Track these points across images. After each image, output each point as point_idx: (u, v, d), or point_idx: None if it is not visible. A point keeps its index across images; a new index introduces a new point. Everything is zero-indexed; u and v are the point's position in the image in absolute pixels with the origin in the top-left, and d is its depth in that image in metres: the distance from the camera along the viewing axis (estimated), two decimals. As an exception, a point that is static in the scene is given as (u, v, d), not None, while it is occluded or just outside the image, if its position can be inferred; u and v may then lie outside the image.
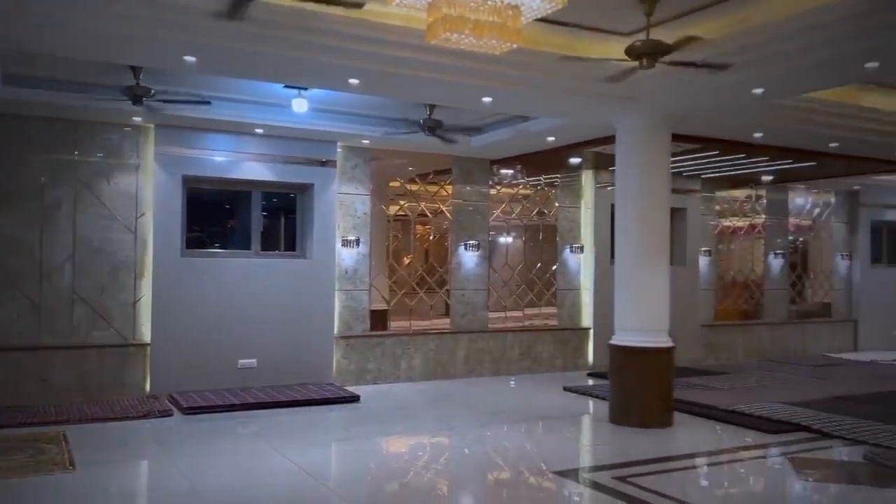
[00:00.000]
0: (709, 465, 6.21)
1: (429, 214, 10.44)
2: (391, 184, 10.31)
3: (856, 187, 13.76)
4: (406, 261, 10.24)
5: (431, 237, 10.41)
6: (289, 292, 9.06)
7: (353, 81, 6.24)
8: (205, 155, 8.71)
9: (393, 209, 10.34)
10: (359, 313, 9.61)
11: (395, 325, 10.01)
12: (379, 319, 9.88)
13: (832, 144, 9.03)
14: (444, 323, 10.31)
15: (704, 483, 5.79)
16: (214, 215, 9.65)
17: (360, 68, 5.87)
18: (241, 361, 8.77)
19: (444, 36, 4.17)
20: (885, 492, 5.50)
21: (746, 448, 6.64)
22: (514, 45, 4.36)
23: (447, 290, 10.34)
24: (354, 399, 8.40)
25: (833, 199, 14.16)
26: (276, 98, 7.76)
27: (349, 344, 9.49)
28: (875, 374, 10.92)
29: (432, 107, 8.01)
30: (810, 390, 9.23)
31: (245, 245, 9.20)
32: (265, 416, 7.60)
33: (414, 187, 10.27)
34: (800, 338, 13.49)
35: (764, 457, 6.41)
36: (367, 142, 9.25)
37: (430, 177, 10.39)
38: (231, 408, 7.77)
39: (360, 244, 9.61)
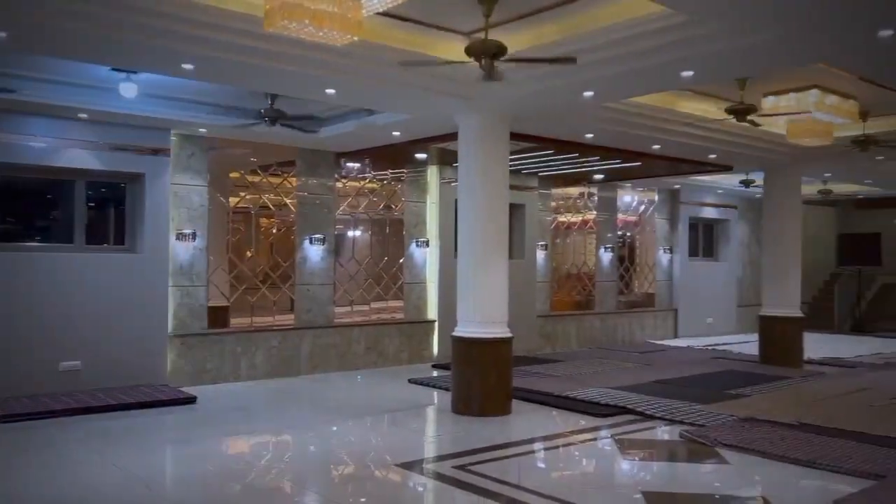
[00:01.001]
0: (544, 449, 6.50)
1: (272, 207, 10.16)
2: (231, 175, 9.92)
3: (676, 186, 14.94)
4: (248, 255, 9.93)
5: (276, 231, 10.14)
6: (117, 289, 8.49)
7: (187, 67, 5.93)
8: (20, 140, 7.95)
9: (234, 201, 9.95)
10: (196, 310, 9.18)
11: (235, 322, 9.66)
12: (218, 317, 9.49)
13: (655, 146, 9.72)
14: (288, 319, 10.09)
15: (541, 466, 6.06)
16: (32, 206, 8.84)
17: (194, 53, 5.59)
18: (63, 364, 8.11)
19: (283, 24, 4.07)
20: (700, 466, 6.02)
21: (578, 431, 7.03)
22: (355, 38, 4.33)
23: (292, 285, 10.12)
24: (190, 400, 8.02)
25: (656, 197, 15.28)
26: (102, 81, 7.23)
27: (185, 343, 9.05)
28: (691, 358, 11.92)
29: (274, 96, 7.80)
30: (635, 375, 9.92)
31: (68, 238, 8.52)
32: (91, 422, 7.08)
33: (256, 179, 9.95)
34: (627, 326, 14.47)
35: (595, 439, 6.81)
36: (204, 130, 8.84)
37: (273, 168, 10.10)
38: (52, 414, 7.16)
39: (197, 238, 9.19)
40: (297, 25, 4.12)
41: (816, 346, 13.06)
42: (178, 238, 9.04)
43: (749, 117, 7.80)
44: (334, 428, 7.07)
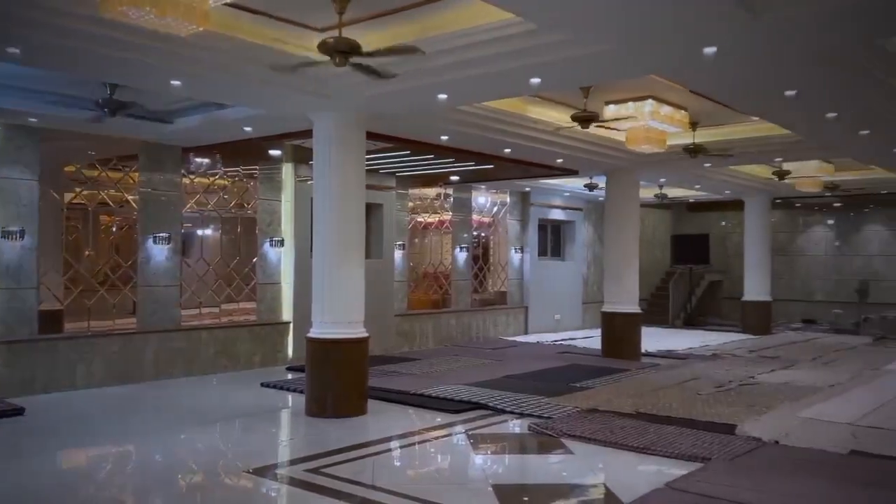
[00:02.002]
0: (400, 447, 6.53)
1: (111, 204, 9.53)
2: (66, 168, 9.21)
3: (527, 189, 15.52)
4: (86, 255, 9.25)
5: (116, 229, 9.51)
6: (-70, 293, 7.66)
7: (13, 51, 5.44)
8: None
9: (69, 197, 9.24)
10: (24, 315, 8.46)
11: (71, 326, 8.98)
12: (51, 321, 8.78)
13: (506, 150, 10.04)
14: (130, 323, 9.50)
15: (396, 465, 6.09)
16: None
17: (21, 36, 5.14)
18: None
19: (121, 10, 3.83)
20: (547, 458, 6.29)
21: (433, 428, 7.13)
22: (200, 28, 4.15)
23: (134, 286, 9.54)
24: (18, 412, 7.37)
25: (508, 199, 15.79)
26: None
27: (12, 350, 8.30)
28: (540, 354, 12.42)
29: (114, 86, 7.31)
30: (488, 371, 10.20)
31: None
32: None
33: (94, 173, 9.30)
34: (481, 324, 14.86)
35: (449, 435, 6.93)
36: (34, 120, 8.16)
37: (114, 163, 9.48)
38: None
39: (26, 236, 8.46)
40: (136, 13, 3.89)
41: (653, 339, 14.00)
42: (3, 236, 8.29)
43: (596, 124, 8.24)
44: (182, 436, 6.75)
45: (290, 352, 11.12)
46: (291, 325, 11.12)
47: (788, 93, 6.85)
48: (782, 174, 12.49)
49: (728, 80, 6.65)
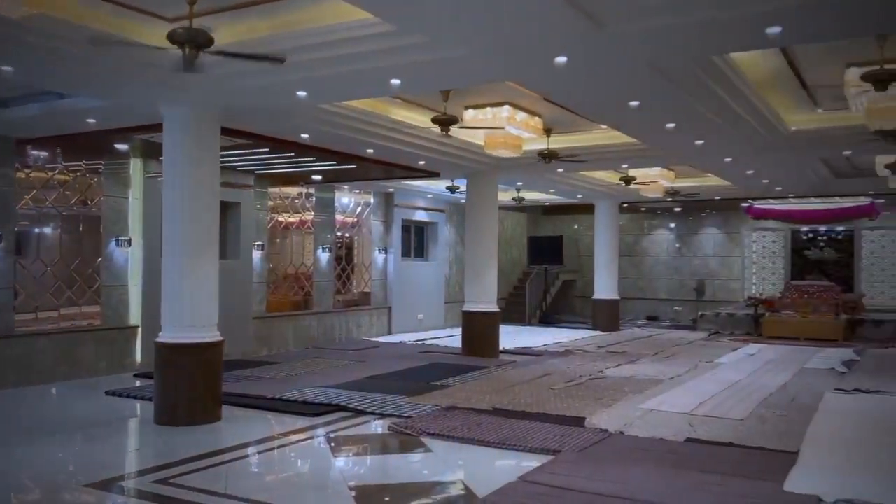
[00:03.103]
0: (257, 453, 6.35)
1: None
2: None
3: (390, 190, 15.57)
4: None
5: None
6: None
7: None
8: None
9: None
10: None
11: None
12: None
13: (369, 150, 10.02)
14: (-47, 329, 8.65)
15: (253, 471, 5.92)
16: None
17: None
18: None
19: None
20: (407, 457, 6.34)
21: (292, 433, 6.98)
22: (32, 11, 3.84)
23: (-42, 289, 8.69)
24: None
25: (372, 200, 15.77)
26: None
27: None
28: (402, 353, 12.50)
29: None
30: (350, 373, 10.14)
31: None
32: None
33: None
34: (344, 325, 14.75)
35: (308, 439, 6.81)
36: None
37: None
38: None
39: None
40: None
41: (511, 337, 14.47)
42: None
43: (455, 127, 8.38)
44: (17, 450, 6.22)
45: (138, 357, 10.52)
46: (140, 330, 10.53)
47: (632, 103, 7.29)
48: (628, 180, 13.27)
49: (578, 90, 7.00)
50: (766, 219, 18.60)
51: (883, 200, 16.82)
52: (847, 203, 17.17)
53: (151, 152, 10.11)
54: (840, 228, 18.93)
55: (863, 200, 16.87)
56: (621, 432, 6.77)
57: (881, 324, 15.55)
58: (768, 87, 7.91)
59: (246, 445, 6.52)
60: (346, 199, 15.07)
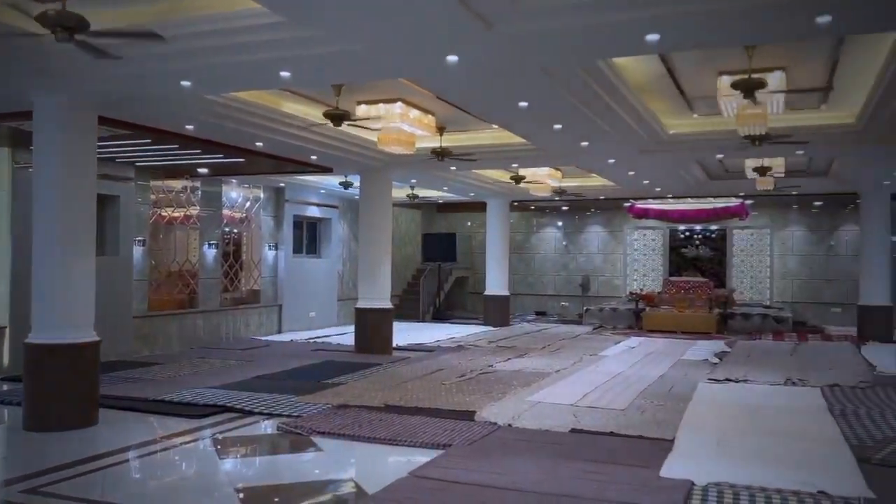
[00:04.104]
0: (137, 457, 6.07)
1: None
2: None
3: (281, 184, 15.24)
4: None
5: None
6: None
7: None
8: None
9: None
10: None
11: None
12: None
13: (258, 144, 9.77)
14: None
15: (132, 476, 5.66)
16: None
17: None
18: None
19: None
20: (297, 456, 6.24)
21: (175, 435, 6.72)
22: None
23: None
24: None
25: (262, 195, 15.38)
26: None
27: None
28: (293, 352, 12.28)
29: None
30: (237, 373, 9.86)
31: None
32: None
33: None
34: (232, 324, 14.32)
35: (192, 441, 6.58)
36: None
37: None
38: None
39: None
40: None
41: (404, 333, 14.50)
42: None
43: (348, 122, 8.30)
44: None
45: (5, 360, 9.83)
46: (8, 331, 9.84)
47: (521, 104, 7.47)
48: (518, 179, 13.58)
49: (470, 89, 7.10)
50: (646, 218, 19.49)
51: (752, 201, 18.04)
52: (720, 204, 18.28)
53: (21, 141, 9.44)
54: (714, 227, 20.09)
55: (734, 201, 18.02)
56: (510, 425, 6.93)
57: (749, 317, 16.64)
58: (649, 92, 8.30)
59: (125, 450, 6.22)
60: (235, 193, 14.63)
